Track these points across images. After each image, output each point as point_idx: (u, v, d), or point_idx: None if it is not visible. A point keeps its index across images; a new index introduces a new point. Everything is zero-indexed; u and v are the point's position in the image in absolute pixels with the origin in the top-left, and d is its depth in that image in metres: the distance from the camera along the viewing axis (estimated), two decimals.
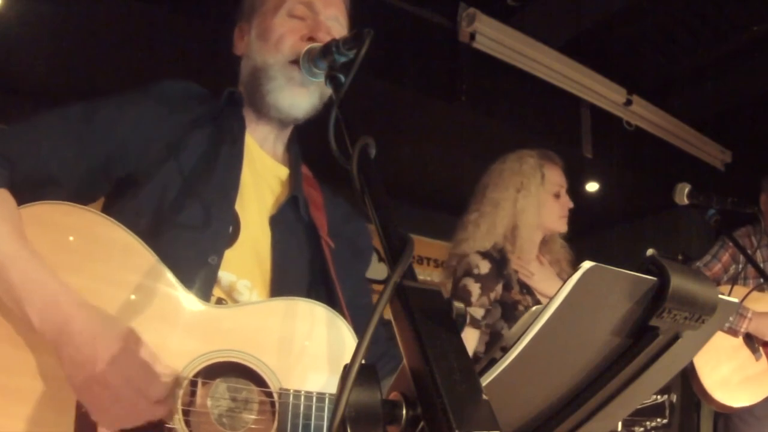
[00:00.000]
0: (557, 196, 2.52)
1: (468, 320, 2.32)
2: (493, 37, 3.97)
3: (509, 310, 2.36)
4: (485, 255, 2.40)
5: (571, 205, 2.55)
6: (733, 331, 2.77)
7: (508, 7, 3.96)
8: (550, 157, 2.59)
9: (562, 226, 2.53)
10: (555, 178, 2.54)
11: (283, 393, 1.16)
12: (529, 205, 2.46)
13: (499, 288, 2.37)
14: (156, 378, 1.08)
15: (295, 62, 1.32)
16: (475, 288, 2.35)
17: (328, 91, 1.09)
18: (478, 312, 2.34)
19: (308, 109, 1.43)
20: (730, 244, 2.86)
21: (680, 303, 0.67)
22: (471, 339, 2.34)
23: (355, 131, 0.91)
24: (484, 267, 2.37)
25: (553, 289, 2.53)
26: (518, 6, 3.96)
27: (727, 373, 2.76)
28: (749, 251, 2.79)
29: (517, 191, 2.48)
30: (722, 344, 2.79)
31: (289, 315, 1.24)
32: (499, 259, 2.41)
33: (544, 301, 2.42)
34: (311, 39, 1.33)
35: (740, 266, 2.95)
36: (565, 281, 0.63)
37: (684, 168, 5.06)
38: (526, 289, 2.43)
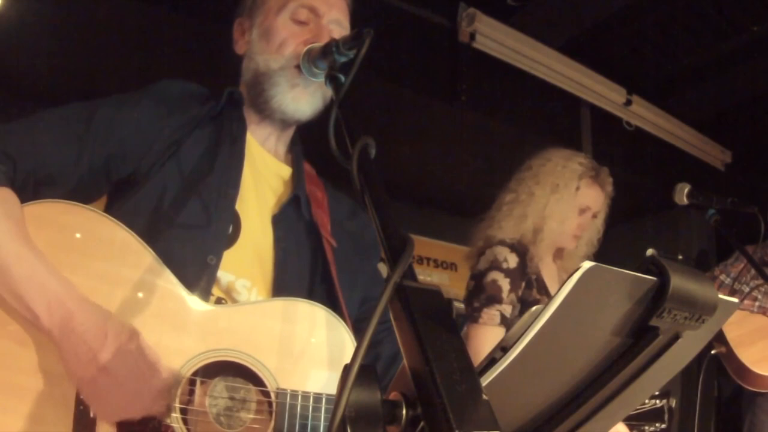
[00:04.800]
0: (582, 211, 2.44)
1: (499, 320, 2.21)
2: (493, 37, 3.97)
3: (527, 309, 2.30)
4: (513, 248, 2.32)
5: (586, 229, 2.46)
6: (763, 309, 2.97)
7: (507, 7, 3.95)
8: (597, 174, 2.49)
9: (570, 244, 2.46)
10: (587, 197, 2.45)
11: (281, 393, 1.16)
12: (558, 211, 2.39)
13: (523, 285, 2.29)
14: (157, 373, 1.09)
15: (297, 67, 1.32)
16: (505, 283, 2.25)
17: (331, 93, 1.09)
18: (507, 309, 2.24)
19: (312, 113, 1.43)
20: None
21: (680, 303, 0.67)
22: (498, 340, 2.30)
23: (355, 131, 0.91)
24: (512, 261, 2.28)
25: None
26: (518, 6, 3.96)
27: (761, 348, 2.92)
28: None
29: (552, 192, 2.42)
30: (752, 326, 2.97)
31: (289, 316, 1.24)
32: (523, 253, 2.33)
33: None
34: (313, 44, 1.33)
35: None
36: (565, 281, 0.63)
37: (684, 168, 5.06)
38: (544, 289, 2.37)
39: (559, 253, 2.53)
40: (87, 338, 1.06)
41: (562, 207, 2.39)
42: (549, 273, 2.44)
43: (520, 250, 2.32)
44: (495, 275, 2.26)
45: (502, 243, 2.33)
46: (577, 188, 2.42)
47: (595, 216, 2.48)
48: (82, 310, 1.07)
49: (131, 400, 1.07)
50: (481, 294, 2.26)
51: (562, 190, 2.41)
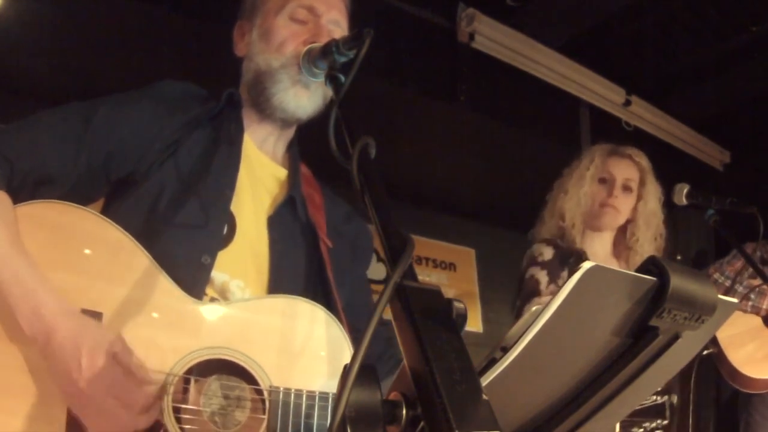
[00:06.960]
0: (602, 181, 2.40)
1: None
2: (492, 37, 3.97)
3: None
4: (549, 242, 2.33)
5: (618, 198, 2.37)
6: (756, 309, 2.99)
7: (507, 7, 3.96)
8: (615, 148, 2.47)
9: (603, 216, 2.38)
10: (606, 166, 2.41)
11: (273, 391, 1.16)
12: (573, 186, 2.41)
13: (565, 275, 2.24)
14: (139, 388, 1.08)
15: (298, 65, 1.33)
16: (542, 275, 2.23)
17: (331, 92, 1.09)
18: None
19: (312, 111, 1.44)
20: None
21: (680, 303, 0.67)
22: None
23: (355, 131, 0.91)
24: (547, 253, 2.28)
25: None
26: (517, 6, 3.96)
27: (751, 350, 2.93)
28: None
29: (568, 175, 2.45)
30: (744, 327, 2.98)
31: (287, 314, 1.25)
32: (564, 247, 2.31)
33: None
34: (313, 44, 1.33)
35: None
36: (565, 281, 0.63)
37: (683, 168, 5.06)
38: None
39: (620, 248, 2.47)
40: (64, 358, 1.04)
41: (575, 181, 2.41)
42: (600, 260, 2.38)
43: (559, 244, 2.32)
44: (532, 271, 2.27)
45: (538, 240, 2.36)
46: (591, 160, 2.43)
47: (629, 187, 2.41)
48: (62, 326, 1.05)
49: (115, 416, 1.05)
50: (521, 292, 2.28)
51: (576, 168, 2.44)
